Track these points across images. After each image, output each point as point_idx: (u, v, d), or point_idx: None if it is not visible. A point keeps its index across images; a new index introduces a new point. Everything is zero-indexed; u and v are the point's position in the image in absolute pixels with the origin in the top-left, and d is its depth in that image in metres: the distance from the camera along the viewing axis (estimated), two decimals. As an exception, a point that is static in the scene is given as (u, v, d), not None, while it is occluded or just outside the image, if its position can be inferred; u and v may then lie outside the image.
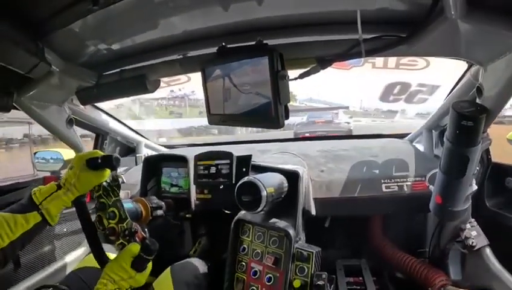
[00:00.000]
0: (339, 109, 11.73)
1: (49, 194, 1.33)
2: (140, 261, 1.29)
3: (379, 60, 3.23)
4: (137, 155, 2.87)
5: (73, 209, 1.42)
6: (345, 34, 1.35)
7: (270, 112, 1.30)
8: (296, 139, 3.82)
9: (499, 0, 1.04)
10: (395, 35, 1.29)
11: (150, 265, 1.34)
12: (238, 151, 2.04)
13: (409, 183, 2.06)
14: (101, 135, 2.64)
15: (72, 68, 1.65)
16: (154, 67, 1.70)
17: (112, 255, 1.41)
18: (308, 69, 1.42)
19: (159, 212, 1.75)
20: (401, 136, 2.69)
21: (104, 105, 2.46)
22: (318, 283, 1.50)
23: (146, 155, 2.78)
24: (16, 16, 1.15)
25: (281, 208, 1.77)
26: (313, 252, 1.58)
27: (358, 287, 2.30)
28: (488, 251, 1.85)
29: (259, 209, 1.60)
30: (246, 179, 1.66)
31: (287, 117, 1.32)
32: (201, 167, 2.10)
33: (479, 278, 1.88)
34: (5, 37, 1.17)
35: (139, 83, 1.71)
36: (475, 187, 1.68)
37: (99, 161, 1.36)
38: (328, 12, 1.31)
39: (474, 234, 1.87)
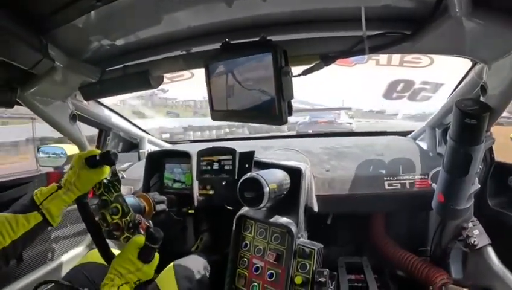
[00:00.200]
0: (341, 110, 11.65)
1: (50, 194, 1.35)
2: (147, 251, 1.30)
3: (383, 57, 3.21)
4: (140, 151, 2.88)
5: (75, 206, 1.44)
6: (349, 31, 1.35)
7: (274, 109, 1.29)
8: (298, 135, 3.81)
9: (504, -2, 1.03)
10: (399, 32, 1.28)
11: (157, 257, 1.35)
12: (241, 147, 2.05)
13: (412, 181, 2.05)
14: (104, 130, 2.64)
15: (76, 64, 1.65)
16: (157, 63, 1.70)
17: (116, 252, 1.42)
18: (311, 65, 1.42)
19: (162, 206, 1.76)
20: (404, 133, 2.68)
21: (108, 101, 2.47)
22: (320, 279, 1.50)
23: (149, 151, 2.79)
24: (19, 12, 1.15)
25: (283, 204, 1.77)
26: (314, 249, 1.59)
27: (360, 285, 2.30)
28: (489, 250, 1.85)
29: (262, 205, 1.60)
30: (248, 175, 1.66)
31: (290, 114, 1.31)
32: (204, 163, 2.10)
33: (481, 277, 1.87)
34: (9, 33, 1.17)
35: (142, 79, 1.70)
36: (478, 186, 1.67)
37: (98, 158, 1.39)
38: (332, 9, 1.30)
39: (476, 233, 1.87)
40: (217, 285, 1.83)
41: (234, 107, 1.49)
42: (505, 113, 1.46)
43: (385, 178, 2.06)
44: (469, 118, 1.36)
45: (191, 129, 9.42)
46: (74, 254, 2.31)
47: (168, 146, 3.15)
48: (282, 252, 1.68)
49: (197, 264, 1.84)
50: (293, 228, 1.65)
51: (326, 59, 1.39)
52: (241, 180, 1.67)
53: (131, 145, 2.99)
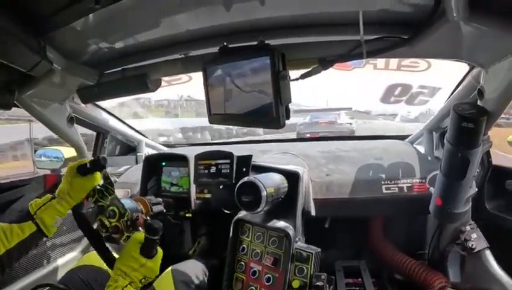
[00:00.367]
0: (341, 110, 11.69)
1: (43, 204, 1.38)
2: (148, 244, 1.29)
3: (380, 62, 3.22)
4: (137, 154, 2.87)
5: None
6: (347, 35, 1.35)
7: (271, 112, 1.29)
8: (296, 139, 3.83)
9: (501, 2, 1.04)
10: (397, 36, 1.29)
11: (160, 252, 1.34)
12: (238, 151, 2.04)
13: (409, 184, 2.06)
14: (101, 133, 2.64)
15: (74, 66, 1.65)
16: (155, 67, 1.70)
17: (116, 255, 1.41)
18: (309, 69, 1.42)
19: (159, 207, 1.76)
20: (402, 137, 2.69)
21: (105, 104, 2.46)
22: (317, 283, 1.50)
23: (146, 154, 2.78)
24: (18, 14, 1.15)
25: (280, 208, 1.77)
26: (312, 253, 1.58)
27: (358, 289, 2.30)
28: (487, 253, 1.85)
29: (259, 209, 1.60)
30: (246, 179, 1.66)
31: (288, 117, 1.31)
32: (202, 167, 2.10)
33: (478, 281, 1.87)
34: (7, 35, 1.17)
35: (140, 82, 1.71)
36: (475, 189, 1.68)
37: (88, 165, 1.43)
38: (330, 13, 1.31)
39: (474, 236, 1.87)
40: (215, 289, 1.82)
41: (232, 111, 1.49)
42: (504, 114, 1.46)
43: (383, 182, 2.07)
44: (466, 121, 1.36)
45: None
46: (70, 258, 2.29)
47: (166, 149, 3.15)
48: (280, 256, 1.68)
49: (194, 268, 1.83)
50: (291, 232, 1.65)
51: (324, 63, 1.39)
52: (238, 184, 1.67)
53: (129, 148, 2.98)
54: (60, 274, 1.98)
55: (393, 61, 3.18)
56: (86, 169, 1.43)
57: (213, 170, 2.05)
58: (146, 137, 3.00)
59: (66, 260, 2.25)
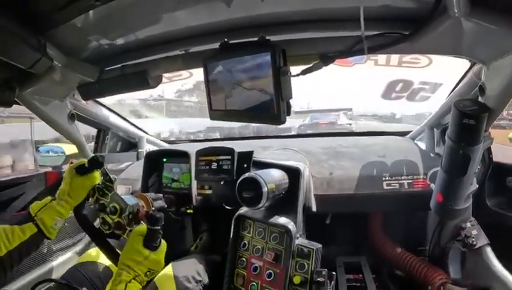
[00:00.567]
0: (341, 110, 11.64)
1: (44, 205, 1.40)
2: (151, 236, 1.28)
3: (381, 58, 3.21)
4: (139, 150, 2.87)
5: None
6: (348, 31, 1.35)
7: (272, 108, 1.29)
8: (297, 135, 3.81)
9: (503, -1, 1.03)
10: (398, 32, 1.28)
11: (164, 244, 1.33)
12: (239, 147, 2.05)
13: (410, 181, 2.06)
14: (102, 130, 2.64)
15: (74, 63, 1.65)
16: (156, 63, 1.69)
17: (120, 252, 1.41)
18: (310, 65, 1.42)
19: (160, 203, 1.76)
20: (402, 134, 2.69)
21: (106, 100, 2.46)
22: (318, 279, 1.50)
23: (147, 150, 2.78)
24: (18, 11, 1.15)
25: (281, 204, 1.77)
26: (313, 249, 1.59)
27: (358, 285, 2.31)
28: (488, 250, 1.85)
29: (260, 205, 1.60)
30: (247, 175, 1.66)
31: (288, 113, 1.31)
32: (203, 163, 2.10)
33: (479, 277, 1.88)
34: (8, 32, 1.17)
35: (140, 79, 1.70)
36: (476, 186, 1.68)
37: (87, 165, 1.46)
38: (331, 9, 1.30)
39: (475, 232, 1.87)
40: (216, 285, 1.83)
41: (233, 107, 1.48)
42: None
43: (384, 178, 2.07)
44: (467, 118, 1.36)
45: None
46: (72, 254, 2.30)
47: (167, 146, 3.15)
48: (281, 252, 1.68)
49: (195, 264, 1.84)
50: (292, 228, 1.65)
51: (325, 59, 1.39)
52: (239, 180, 1.67)
53: (130, 144, 2.99)
54: (63, 270, 1.99)
55: (395, 57, 3.17)
56: (84, 169, 1.45)
57: (214, 166, 2.06)
58: (147, 133, 3.00)
59: (68, 257, 2.26)
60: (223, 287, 1.78)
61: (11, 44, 1.24)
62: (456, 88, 1.86)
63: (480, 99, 1.43)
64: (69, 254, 2.28)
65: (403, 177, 2.06)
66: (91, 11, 1.19)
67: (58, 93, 1.85)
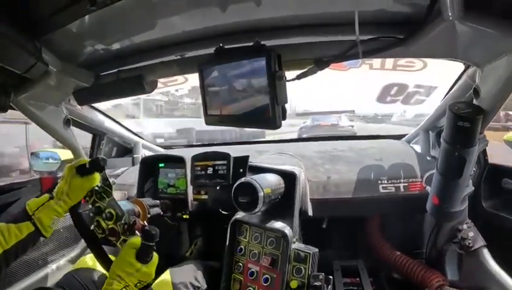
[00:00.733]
0: (343, 113, 11.66)
1: (41, 204, 1.37)
2: (144, 250, 1.28)
3: (376, 62, 3.22)
4: (134, 156, 2.86)
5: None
6: (343, 35, 1.36)
7: (267, 113, 1.29)
8: (293, 140, 3.81)
9: (496, 2, 1.04)
10: (393, 36, 1.29)
11: (156, 256, 1.33)
12: (235, 152, 2.04)
13: (406, 184, 2.06)
14: (98, 135, 2.63)
15: (70, 68, 1.64)
16: (151, 68, 1.69)
17: (113, 258, 1.40)
18: (305, 70, 1.42)
19: (156, 210, 1.76)
20: (398, 137, 2.70)
21: (101, 105, 2.46)
22: (315, 283, 1.50)
23: (143, 156, 2.77)
24: (13, 16, 1.15)
25: (278, 208, 1.77)
26: (310, 253, 1.58)
27: (355, 288, 2.30)
28: (485, 251, 1.86)
29: (257, 210, 1.60)
30: (243, 179, 1.66)
31: (284, 118, 1.32)
32: (199, 168, 2.10)
33: (476, 279, 1.88)
34: (3, 37, 1.17)
35: (136, 84, 1.70)
36: (472, 188, 1.68)
37: (87, 166, 1.42)
38: (326, 14, 1.31)
39: (471, 234, 1.88)
40: (213, 290, 1.82)
41: (228, 112, 1.49)
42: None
43: (379, 181, 2.07)
44: (462, 120, 1.37)
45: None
46: (67, 260, 2.28)
47: (162, 151, 3.14)
48: (278, 256, 1.68)
49: (193, 270, 1.83)
50: (288, 232, 1.65)
51: (320, 63, 1.40)
52: (235, 185, 1.67)
53: (126, 150, 2.97)
54: (58, 277, 1.97)
55: (389, 61, 3.19)
56: (85, 169, 1.42)
57: (210, 171, 2.05)
58: (143, 139, 2.99)
59: (63, 262, 2.25)
60: (220, 293, 1.77)
61: (6, 49, 1.23)
62: (451, 91, 1.87)
63: (474, 101, 1.44)
64: (63, 261, 2.26)
65: (399, 181, 2.07)
66: (87, 16, 1.19)
67: (54, 99, 1.84)
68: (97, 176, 1.46)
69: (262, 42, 1.32)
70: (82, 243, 2.38)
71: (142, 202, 1.74)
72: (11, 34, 1.19)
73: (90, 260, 1.81)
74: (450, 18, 1.06)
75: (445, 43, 1.25)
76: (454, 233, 1.95)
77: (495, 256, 1.84)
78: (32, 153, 2.47)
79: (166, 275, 1.70)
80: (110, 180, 1.50)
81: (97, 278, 1.71)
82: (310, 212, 1.98)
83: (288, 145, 2.72)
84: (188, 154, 2.21)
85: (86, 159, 1.46)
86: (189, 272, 1.79)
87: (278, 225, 1.71)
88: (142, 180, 2.32)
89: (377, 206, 2.12)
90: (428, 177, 2.01)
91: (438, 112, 2.10)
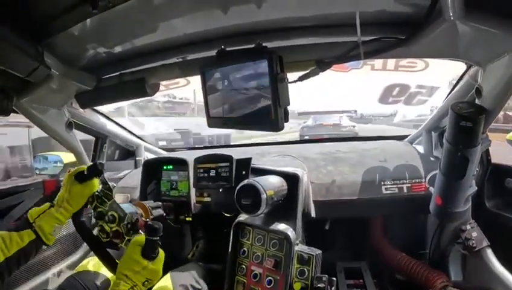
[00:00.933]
0: (345, 112, 11.69)
1: (42, 212, 1.39)
2: (149, 246, 1.27)
3: (378, 62, 3.22)
4: (136, 158, 2.86)
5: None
6: (344, 37, 1.36)
7: (270, 115, 1.30)
8: (295, 141, 3.81)
9: (497, 1, 1.04)
10: (394, 37, 1.29)
11: (162, 254, 1.32)
12: (237, 154, 2.04)
13: (409, 184, 2.06)
14: (100, 138, 2.63)
15: (72, 72, 1.65)
16: (153, 71, 1.70)
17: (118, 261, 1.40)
18: (307, 71, 1.42)
19: (159, 211, 1.76)
20: (400, 137, 2.69)
21: (104, 108, 2.46)
22: (319, 285, 1.49)
23: (146, 158, 2.78)
24: (15, 20, 1.15)
25: (281, 210, 1.76)
26: (313, 255, 1.58)
27: (359, 290, 2.30)
28: (488, 251, 1.85)
29: (259, 212, 1.59)
30: (245, 182, 1.65)
31: (286, 120, 1.32)
32: (201, 170, 2.10)
33: (480, 279, 1.87)
34: (5, 41, 1.17)
35: (138, 87, 1.71)
36: (475, 188, 1.68)
37: (86, 172, 1.44)
38: (327, 15, 1.31)
39: (475, 235, 1.87)
40: (216, 293, 1.82)
41: (230, 114, 1.49)
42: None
43: (382, 182, 2.07)
44: (465, 120, 1.37)
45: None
46: (69, 263, 2.28)
47: (165, 153, 3.14)
48: (281, 258, 1.67)
49: (194, 272, 1.83)
50: (291, 234, 1.65)
51: (322, 65, 1.40)
52: (238, 187, 1.66)
53: (128, 153, 2.98)
54: (60, 280, 1.97)
55: (391, 62, 3.18)
56: (83, 176, 1.44)
57: (212, 173, 2.05)
58: (145, 141, 2.99)
59: (66, 266, 2.24)
60: (223, 295, 1.77)
61: (9, 52, 1.24)
62: (453, 91, 1.87)
63: (477, 101, 1.43)
64: (66, 264, 2.26)
65: (401, 181, 2.06)
66: (88, 20, 1.19)
67: (56, 102, 1.85)
68: (96, 181, 1.48)
69: (263, 44, 1.32)
70: (82, 250, 2.38)
71: (144, 205, 1.74)
72: (13, 38, 1.20)
73: (92, 263, 1.81)
74: (451, 18, 1.06)
75: (446, 43, 1.25)
76: (457, 233, 1.95)
77: (499, 256, 1.84)
78: (34, 156, 2.47)
79: (167, 278, 1.70)
80: (110, 183, 1.51)
81: (100, 282, 1.71)
82: (313, 214, 1.97)
83: (291, 147, 2.71)
84: (190, 156, 2.22)
85: (85, 166, 1.47)
86: (190, 275, 1.79)
87: (281, 226, 1.71)
88: (145, 183, 2.32)
89: (380, 208, 2.11)
90: (431, 178, 2.00)
91: (440, 112, 2.10)
